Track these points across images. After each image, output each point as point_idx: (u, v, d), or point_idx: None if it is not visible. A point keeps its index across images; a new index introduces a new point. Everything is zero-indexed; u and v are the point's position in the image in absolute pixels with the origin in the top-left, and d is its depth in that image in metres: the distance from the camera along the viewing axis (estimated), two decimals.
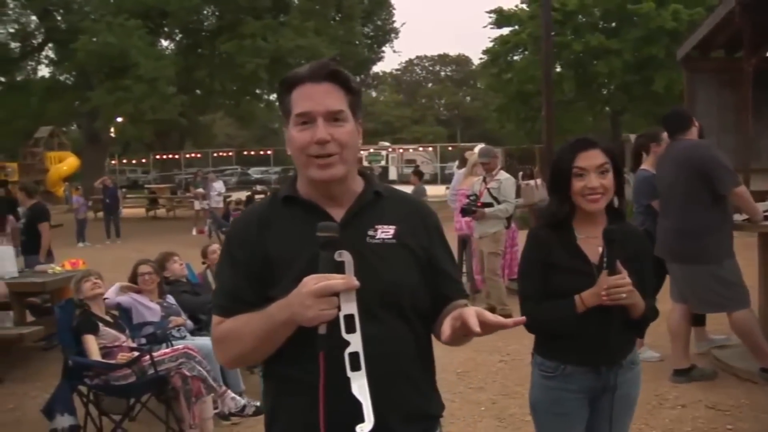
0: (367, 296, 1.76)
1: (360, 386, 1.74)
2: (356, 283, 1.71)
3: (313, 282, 1.67)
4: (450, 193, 10.84)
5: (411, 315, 1.92)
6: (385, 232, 1.91)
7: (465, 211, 8.43)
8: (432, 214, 2.10)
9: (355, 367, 1.74)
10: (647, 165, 6.27)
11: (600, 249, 2.67)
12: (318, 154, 1.84)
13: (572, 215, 2.75)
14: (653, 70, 27.77)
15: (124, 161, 49.39)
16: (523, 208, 9.44)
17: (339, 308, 1.70)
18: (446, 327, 1.75)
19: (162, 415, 4.98)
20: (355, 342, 1.74)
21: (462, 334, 1.76)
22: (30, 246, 8.97)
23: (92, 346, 4.92)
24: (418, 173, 16.07)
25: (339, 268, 1.71)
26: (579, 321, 2.66)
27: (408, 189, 15.24)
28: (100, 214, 21.41)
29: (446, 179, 35.99)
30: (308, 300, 1.66)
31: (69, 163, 31.59)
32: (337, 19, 31.41)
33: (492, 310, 7.65)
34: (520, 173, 16.29)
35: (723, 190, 5.28)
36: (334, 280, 1.68)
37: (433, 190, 23.45)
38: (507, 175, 8.74)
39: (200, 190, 21.21)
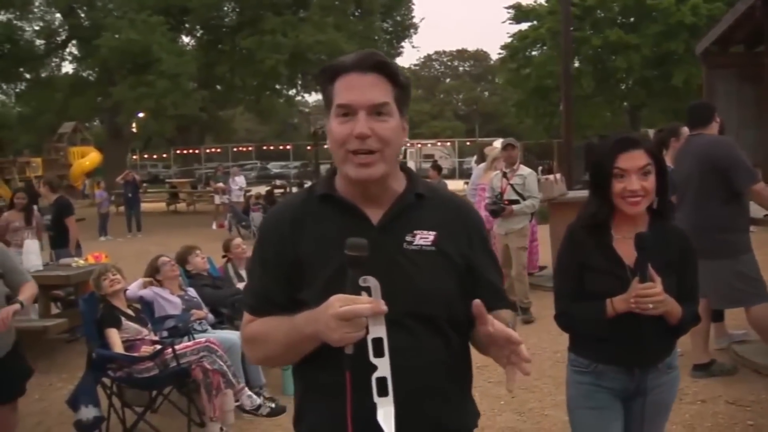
0: (397, 306, 1.66)
1: (386, 413, 1.66)
2: (384, 308, 1.61)
3: (338, 304, 1.58)
4: (470, 187, 10.84)
5: (445, 326, 1.82)
6: (424, 237, 1.79)
7: (494, 213, 8.07)
8: (476, 218, 1.99)
9: (383, 393, 1.66)
10: (666, 160, 6.25)
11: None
12: (357, 150, 1.73)
13: (611, 215, 2.67)
14: (672, 65, 27.63)
15: (146, 156, 49.69)
16: (543, 202, 9.38)
17: (367, 330, 1.62)
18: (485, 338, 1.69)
19: (184, 407, 5.05)
20: (383, 367, 1.65)
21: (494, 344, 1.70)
22: (58, 240, 9.08)
23: (115, 339, 5.00)
24: (437, 167, 16.06)
25: (367, 288, 1.62)
26: (611, 324, 2.61)
27: None
28: (122, 208, 21.58)
29: (465, 174, 35.99)
30: (333, 323, 1.58)
31: (91, 158, 31.83)
32: (357, 14, 31.40)
33: (513, 304, 7.66)
34: (540, 168, 16.27)
35: (741, 188, 5.27)
36: (361, 305, 1.58)
37: (452, 185, 23.45)
38: (529, 170, 8.54)
39: (221, 184, 21.33)
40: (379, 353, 1.65)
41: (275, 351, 1.81)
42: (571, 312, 2.73)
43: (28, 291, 4.11)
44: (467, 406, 1.95)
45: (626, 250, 2.61)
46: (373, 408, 1.65)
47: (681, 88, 26.82)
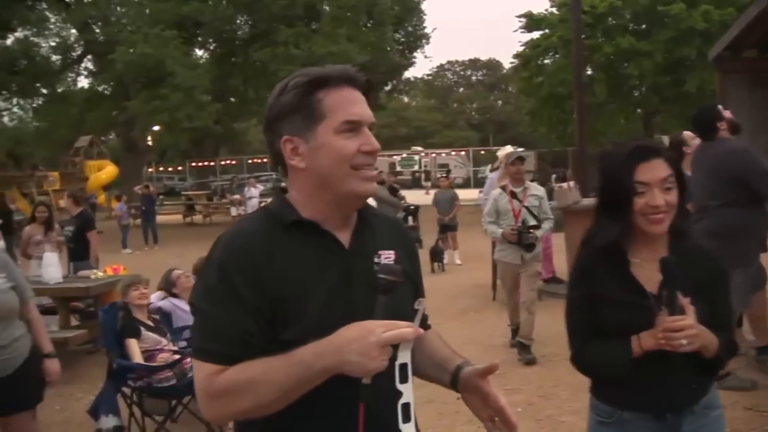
0: None
1: None
2: (422, 331, 1.58)
3: (380, 330, 1.48)
4: (483, 196, 10.87)
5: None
6: (387, 257, 1.68)
7: (530, 248, 6.95)
8: (412, 237, 1.98)
9: (407, 419, 1.62)
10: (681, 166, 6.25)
11: (659, 275, 2.20)
12: (364, 164, 1.66)
13: (625, 236, 2.29)
14: (685, 71, 27.56)
15: (161, 169, 49.98)
16: (557, 211, 9.35)
17: (395, 357, 1.56)
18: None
19: (203, 416, 5.09)
20: (408, 392, 1.61)
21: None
22: (78, 252, 9.16)
23: (135, 349, 5.06)
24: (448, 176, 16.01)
25: (390, 313, 1.55)
26: (635, 363, 2.24)
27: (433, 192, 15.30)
28: (138, 221, 21.77)
29: (479, 183, 35.96)
30: (374, 350, 1.46)
31: (108, 171, 32.06)
32: (369, 25, 31.53)
33: (516, 329, 7.30)
34: (554, 176, 16.27)
35: (764, 194, 5.25)
36: (405, 330, 1.51)
37: (466, 194, 23.46)
38: (541, 188, 7.62)
39: (236, 196, 21.48)
40: (404, 379, 1.60)
41: (268, 398, 1.54)
42: (589, 352, 2.37)
43: (41, 325, 4.13)
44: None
45: (646, 275, 2.25)
46: None
47: (694, 93, 26.69)
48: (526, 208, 7.05)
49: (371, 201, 12.11)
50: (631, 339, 2.22)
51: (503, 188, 7.22)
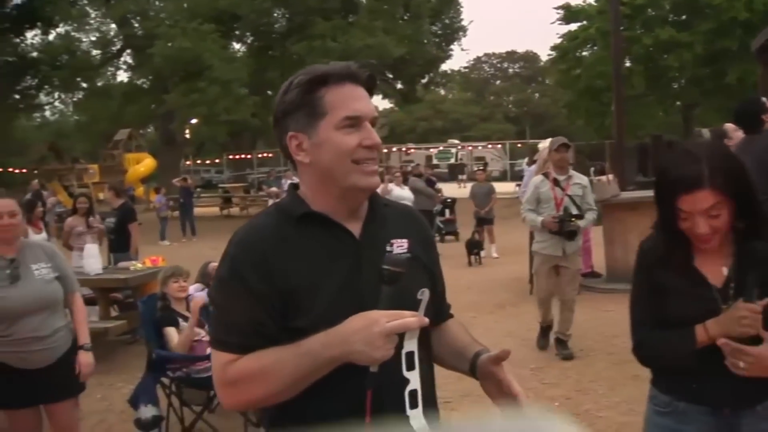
0: None
1: (421, 426, 1.66)
2: (427, 320, 1.61)
3: (385, 320, 1.54)
4: (521, 190, 10.80)
5: (426, 330, 1.79)
6: (400, 246, 1.73)
7: (571, 235, 6.63)
8: (427, 225, 2.01)
9: (414, 405, 1.67)
10: None
11: (724, 270, 2.23)
12: (366, 159, 1.70)
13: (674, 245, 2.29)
14: (726, 62, 27.06)
15: (199, 162, 50.38)
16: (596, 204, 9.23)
17: (402, 346, 1.61)
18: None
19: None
20: (414, 379, 1.66)
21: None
22: (119, 244, 9.27)
23: (173, 335, 5.11)
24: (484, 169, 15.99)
25: (396, 302, 1.59)
26: (698, 354, 2.20)
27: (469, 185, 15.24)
28: (177, 213, 22.00)
29: (516, 176, 35.73)
30: (379, 340, 1.52)
31: (146, 164, 32.47)
32: (406, 18, 31.49)
33: (548, 327, 7.14)
34: (592, 169, 16.09)
35: None
36: (410, 319, 1.57)
37: (503, 187, 23.34)
38: (585, 177, 7.23)
39: (273, 188, 21.60)
40: (411, 366, 1.66)
41: (279, 386, 1.62)
42: (653, 342, 2.34)
43: (83, 315, 4.17)
44: (436, 403, 1.89)
45: (711, 269, 2.24)
46: (392, 427, 1.63)
47: (735, 85, 26.23)
48: (569, 197, 6.73)
49: (406, 192, 12.05)
50: (696, 327, 2.20)
51: (545, 175, 6.90)
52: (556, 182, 6.76)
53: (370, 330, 1.53)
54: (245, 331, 1.66)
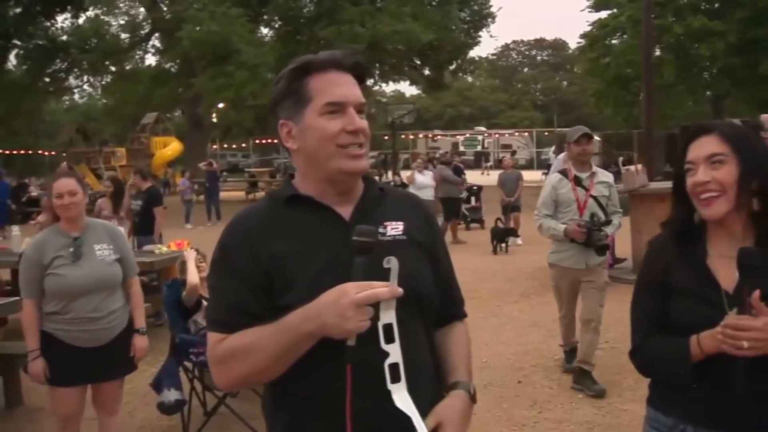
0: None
1: (403, 399, 1.63)
2: (400, 290, 1.59)
3: (354, 291, 1.55)
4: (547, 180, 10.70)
5: (428, 316, 1.83)
6: (395, 228, 1.79)
7: (602, 249, 5.49)
8: (432, 212, 2.01)
9: (396, 379, 1.63)
10: None
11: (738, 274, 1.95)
12: (350, 143, 1.73)
13: (705, 226, 2.08)
14: (760, 52, 26.54)
15: (225, 146, 50.66)
16: (624, 194, 9.13)
17: (378, 318, 1.59)
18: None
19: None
20: (395, 352, 1.63)
21: None
22: (143, 227, 9.30)
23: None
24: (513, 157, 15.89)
25: (372, 274, 1.59)
26: (699, 369, 1.97)
27: (497, 173, 15.13)
28: (202, 196, 22.11)
29: (542, 165, 35.52)
30: (349, 311, 1.53)
31: (173, 147, 32.64)
32: (434, 3, 31.31)
33: (573, 351, 6.06)
34: (620, 158, 15.94)
35: None
36: (380, 290, 1.56)
37: (530, 176, 23.19)
38: (609, 174, 6.08)
39: None
40: (390, 339, 1.63)
41: (262, 362, 1.66)
42: (648, 348, 2.11)
43: (139, 299, 4.24)
44: (439, 382, 1.87)
45: (724, 270, 1.98)
46: (374, 401, 1.62)
47: None
48: (594, 198, 5.65)
49: (428, 179, 11.87)
50: (691, 339, 1.96)
51: (563, 173, 5.80)
52: (577, 181, 5.67)
53: (339, 302, 1.54)
54: (234, 311, 1.71)
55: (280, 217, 1.77)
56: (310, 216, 1.76)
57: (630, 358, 2.23)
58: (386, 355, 1.63)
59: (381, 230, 1.75)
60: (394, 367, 1.63)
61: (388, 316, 1.61)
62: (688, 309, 2.01)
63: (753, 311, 1.83)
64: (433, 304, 1.84)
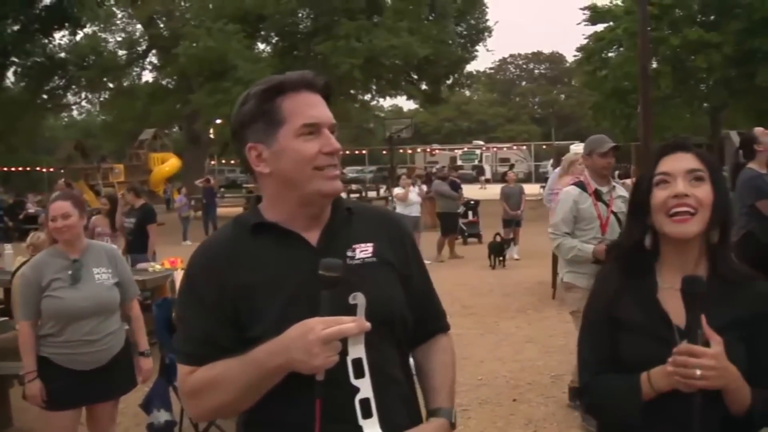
0: None
1: None
2: (368, 325, 1.56)
3: (321, 327, 1.51)
4: (546, 192, 10.65)
5: (400, 336, 1.77)
6: (363, 250, 1.74)
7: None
8: (405, 227, 1.96)
9: (367, 414, 1.61)
10: (753, 164, 6.01)
11: None
12: (327, 165, 1.69)
13: (656, 255, 1.95)
14: (756, 63, 26.59)
15: (223, 161, 50.68)
16: None
17: (347, 352, 1.58)
18: None
19: None
20: (365, 387, 1.61)
21: None
22: (137, 245, 9.25)
23: None
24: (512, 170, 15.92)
25: (341, 308, 1.56)
26: (651, 409, 1.82)
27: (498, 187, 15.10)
28: (200, 213, 22.08)
29: (540, 178, 35.52)
30: (316, 347, 1.50)
31: (171, 163, 32.69)
32: (431, 18, 31.36)
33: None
34: (617, 172, 15.92)
35: None
36: (347, 325, 1.53)
37: (528, 189, 23.13)
38: (622, 187, 5.62)
39: None
40: (360, 374, 1.61)
41: (229, 397, 1.63)
42: (597, 387, 1.95)
43: (140, 322, 4.25)
44: (417, 405, 1.84)
45: (675, 304, 1.82)
46: None
47: (765, 87, 25.82)
48: (614, 214, 5.11)
49: (414, 196, 11.84)
50: (641, 376, 1.82)
51: (580, 186, 5.29)
52: (597, 195, 5.19)
53: (306, 338, 1.51)
54: (201, 343, 1.67)
55: (245, 245, 1.72)
56: (278, 244, 1.71)
57: (578, 398, 2.12)
58: (357, 390, 1.60)
59: (350, 254, 1.72)
60: (365, 402, 1.60)
61: (357, 351, 1.59)
62: (637, 346, 1.88)
63: (702, 340, 1.71)
64: (407, 323, 1.79)
